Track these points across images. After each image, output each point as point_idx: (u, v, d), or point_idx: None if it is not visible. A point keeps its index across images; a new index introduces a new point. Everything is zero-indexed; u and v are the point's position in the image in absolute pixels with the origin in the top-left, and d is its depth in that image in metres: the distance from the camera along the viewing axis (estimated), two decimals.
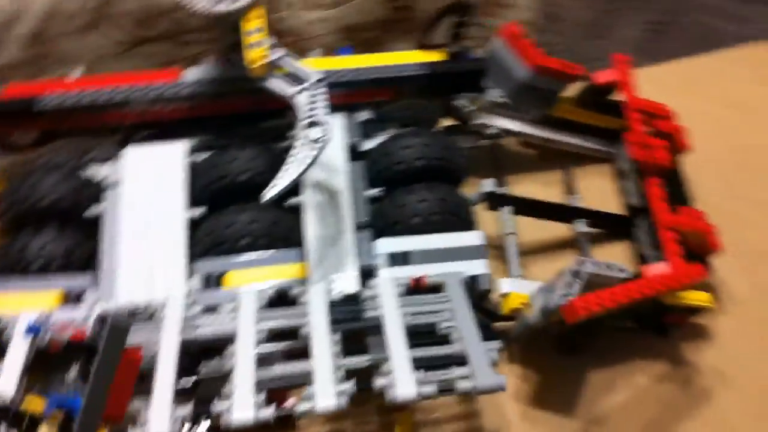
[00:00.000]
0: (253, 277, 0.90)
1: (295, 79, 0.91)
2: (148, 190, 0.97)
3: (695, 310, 1.01)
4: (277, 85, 0.91)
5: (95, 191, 0.98)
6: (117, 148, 1.01)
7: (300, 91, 0.90)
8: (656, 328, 1.04)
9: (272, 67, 0.91)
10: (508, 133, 1.12)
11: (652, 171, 1.02)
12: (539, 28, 1.34)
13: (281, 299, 0.87)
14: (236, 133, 1.05)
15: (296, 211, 0.97)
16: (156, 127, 1.04)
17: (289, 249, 0.93)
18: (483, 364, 0.79)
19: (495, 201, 1.03)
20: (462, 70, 1.06)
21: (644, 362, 1.04)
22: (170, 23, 1.20)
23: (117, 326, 0.73)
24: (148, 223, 0.95)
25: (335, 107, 1.03)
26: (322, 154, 0.84)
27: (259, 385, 0.76)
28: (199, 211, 0.96)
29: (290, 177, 0.83)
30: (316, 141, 0.85)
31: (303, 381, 0.78)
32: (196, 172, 0.99)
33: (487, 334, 0.84)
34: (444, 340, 0.84)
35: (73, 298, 0.89)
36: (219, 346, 0.82)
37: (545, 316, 0.87)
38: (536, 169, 1.19)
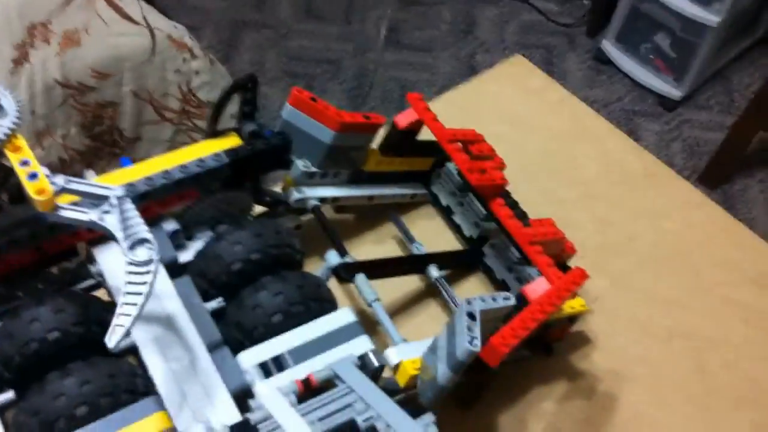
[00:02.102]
0: None
1: (92, 201, 0.75)
2: None
3: (574, 319, 0.99)
4: (72, 215, 0.73)
5: None
6: None
7: (104, 213, 0.73)
8: (541, 348, 1.00)
9: (58, 195, 0.73)
10: (327, 201, 1.03)
11: (494, 193, 0.99)
12: None
13: None
14: (21, 291, 0.84)
15: (129, 354, 0.79)
16: None
17: (139, 401, 0.74)
18: None
19: (346, 272, 0.93)
20: (265, 148, 0.95)
21: (543, 387, 0.99)
22: None
23: None
24: None
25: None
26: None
27: None
28: (8, 395, 0.74)
29: (134, 310, 0.66)
30: (146, 262, 0.69)
31: None
32: None
33: (410, 410, 0.73)
34: None
35: None
36: None
37: (459, 369, 0.78)
38: (362, 231, 1.12)
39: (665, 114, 2.41)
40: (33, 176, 0.71)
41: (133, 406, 0.74)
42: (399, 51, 2.36)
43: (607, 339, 1.05)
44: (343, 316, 0.85)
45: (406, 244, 1.07)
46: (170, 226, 0.90)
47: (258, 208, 1.01)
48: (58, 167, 1.24)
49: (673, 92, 2.40)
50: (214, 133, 0.94)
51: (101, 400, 0.72)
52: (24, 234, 0.82)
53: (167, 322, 0.81)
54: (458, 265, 1.07)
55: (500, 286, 1.05)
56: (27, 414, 0.72)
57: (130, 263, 0.69)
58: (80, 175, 0.81)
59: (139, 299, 0.67)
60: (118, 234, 0.71)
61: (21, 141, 0.73)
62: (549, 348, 1.01)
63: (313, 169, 1.00)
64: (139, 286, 0.67)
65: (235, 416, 0.74)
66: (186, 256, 0.89)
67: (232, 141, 0.95)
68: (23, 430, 0.72)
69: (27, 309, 0.77)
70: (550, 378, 1.00)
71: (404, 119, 1.04)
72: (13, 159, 0.72)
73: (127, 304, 0.66)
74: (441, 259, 1.03)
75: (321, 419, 0.72)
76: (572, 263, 1.03)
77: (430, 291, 1.05)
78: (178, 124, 1.46)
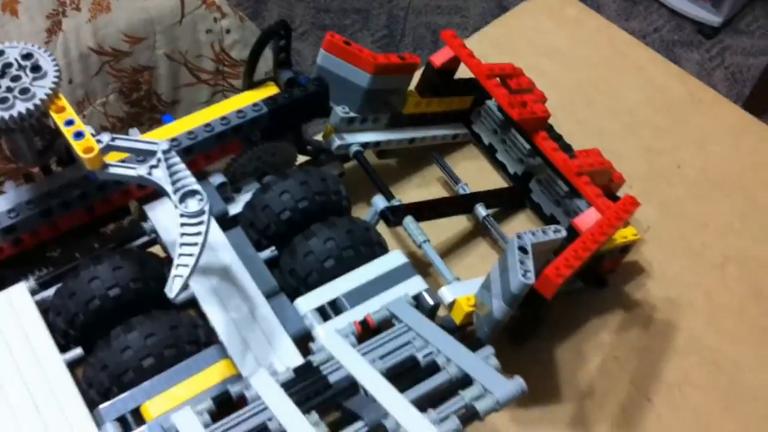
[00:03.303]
0: (177, 396, 0.71)
1: (139, 157, 0.75)
2: (7, 349, 0.75)
3: (626, 249, 0.97)
4: (120, 171, 0.74)
5: None
6: None
7: (152, 168, 0.73)
8: (595, 280, 0.99)
9: (106, 153, 0.73)
10: (369, 146, 1.02)
11: (537, 126, 0.98)
12: None
13: (225, 406, 0.70)
14: (78, 252, 0.86)
15: (189, 307, 0.80)
16: None
17: (202, 351, 0.76)
18: (491, 376, 0.68)
19: (393, 215, 0.93)
20: (302, 95, 0.95)
21: (599, 319, 0.99)
22: None
23: None
24: (24, 385, 0.72)
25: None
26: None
27: None
28: (76, 352, 0.76)
29: (190, 260, 0.67)
30: (198, 213, 0.69)
31: None
32: (52, 309, 0.78)
33: (468, 345, 0.73)
34: (431, 371, 0.72)
35: None
36: None
37: (515, 303, 0.78)
38: (407, 175, 1.11)
39: (705, 42, 2.34)
40: (79, 135, 0.72)
41: (197, 356, 0.76)
42: None
43: (661, 267, 1.04)
44: (394, 258, 0.85)
45: (451, 185, 1.06)
46: (217, 179, 0.91)
47: (301, 158, 1.01)
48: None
49: (713, 19, 2.33)
50: (251, 85, 0.94)
51: (166, 351, 0.74)
52: (75, 195, 0.83)
53: (223, 274, 0.82)
54: (505, 202, 1.06)
55: (549, 221, 1.04)
56: (96, 369, 0.74)
57: (182, 215, 0.69)
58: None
59: (195, 249, 0.67)
60: (168, 187, 0.72)
61: (64, 101, 0.74)
62: (603, 280, 1.00)
63: (353, 115, 0.99)
64: (193, 236, 0.68)
65: (297, 359, 0.75)
66: (235, 208, 0.90)
67: (270, 91, 0.95)
68: (94, 384, 0.74)
69: (86, 268, 0.78)
70: (605, 309, 1.00)
71: (440, 58, 1.03)
72: (58, 119, 0.72)
73: (183, 255, 0.67)
74: (487, 197, 1.02)
75: (381, 357, 0.73)
76: (621, 193, 1.02)
77: (479, 230, 1.05)
78: (214, 86, 1.45)
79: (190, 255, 0.67)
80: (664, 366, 0.96)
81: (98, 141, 0.72)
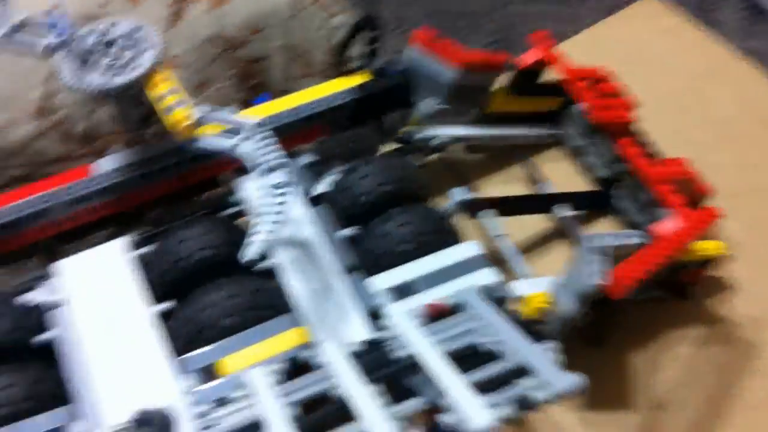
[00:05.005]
0: (252, 356, 0.75)
1: (231, 131, 0.80)
2: (101, 298, 0.81)
3: (709, 262, 0.95)
4: (211, 142, 0.79)
5: (37, 318, 0.80)
6: (47, 267, 0.85)
7: (241, 141, 0.78)
8: (676, 290, 0.97)
9: (200, 125, 0.78)
10: (452, 140, 1.04)
11: (620, 131, 0.97)
12: None
13: (295, 370, 0.73)
14: (172, 216, 0.91)
15: (271, 275, 0.84)
16: (80, 232, 0.89)
17: (280, 317, 0.80)
18: (550, 368, 0.68)
19: (472, 208, 0.94)
20: (389, 86, 0.98)
21: (677, 330, 0.96)
22: None
23: None
24: (114, 333, 0.79)
25: None
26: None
27: None
28: (165, 305, 0.81)
29: (267, 228, 0.70)
30: (280, 186, 0.73)
31: None
32: (146, 266, 0.84)
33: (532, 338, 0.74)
34: (490, 359, 0.72)
35: None
36: None
37: (584, 302, 0.77)
38: (491, 171, 1.11)
39: None
40: (173, 107, 0.77)
41: (273, 321, 0.79)
42: (541, 2, 2.29)
43: (748, 285, 1.00)
44: (469, 249, 0.86)
45: (534, 184, 1.06)
46: (306, 159, 0.95)
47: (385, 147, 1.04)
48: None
49: None
50: (341, 73, 0.98)
51: (246, 313, 0.78)
52: (170, 163, 0.89)
53: (306, 247, 0.85)
54: (587, 205, 1.05)
55: (632, 226, 1.02)
56: (182, 322, 0.79)
57: (265, 186, 0.73)
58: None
59: (272, 218, 0.71)
60: (255, 160, 0.76)
61: (165, 75, 0.79)
62: (684, 292, 0.98)
63: (438, 107, 1.01)
64: (274, 206, 0.71)
65: (367, 333, 0.77)
66: (321, 187, 0.94)
67: (359, 79, 0.98)
68: (179, 336, 0.78)
69: (179, 230, 0.83)
70: (686, 322, 0.97)
71: (529, 58, 1.03)
72: (157, 91, 0.78)
73: (260, 223, 0.71)
74: (569, 198, 1.01)
75: (445, 340, 0.73)
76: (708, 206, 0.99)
77: (558, 231, 1.04)
78: (325, 78, 1.48)
79: (267, 223, 0.70)
80: (744, 386, 0.93)
81: (195, 113, 0.77)
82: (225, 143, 0.78)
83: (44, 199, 0.86)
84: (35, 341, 0.78)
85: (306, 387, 0.69)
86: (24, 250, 0.88)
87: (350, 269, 0.84)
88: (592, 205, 1.06)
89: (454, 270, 0.84)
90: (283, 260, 0.84)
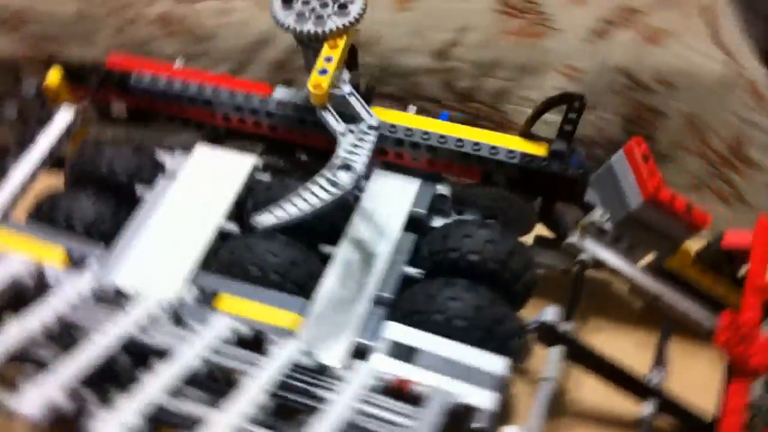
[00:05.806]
0: (244, 308, 0.83)
1: (351, 119, 0.83)
2: (198, 190, 0.95)
3: None
4: (329, 119, 0.84)
5: (154, 174, 0.97)
6: (194, 143, 1.01)
7: (346, 131, 0.81)
8: None
9: (331, 100, 0.83)
10: (603, 266, 0.93)
11: (747, 374, 0.79)
12: None
13: (255, 343, 0.78)
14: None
15: (324, 259, 0.89)
16: (238, 136, 1.02)
17: (295, 296, 0.84)
18: None
19: (549, 335, 0.85)
20: (559, 172, 0.91)
21: None
22: None
23: None
24: (181, 221, 0.92)
25: (412, 170, 0.96)
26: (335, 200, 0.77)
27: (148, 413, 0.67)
28: (232, 226, 0.92)
29: (290, 211, 0.74)
30: (336, 185, 0.75)
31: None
32: (253, 192, 0.95)
33: None
34: None
35: (75, 260, 0.87)
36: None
37: None
38: (626, 322, 0.99)
39: None
40: (323, 72, 0.82)
41: (286, 296, 0.84)
42: None
43: None
44: (496, 364, 0.80)
45: (651, 363, 0.91)
46: (442, 189, 0.94)
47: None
48: (579, 141, 1.21)
49: None
50: (525, 134, 0.93)
51: (272, 275, 0.85)
52: (295, 115, 0.96)
53: (367, 257, 0.88)
54: (681, 421, 0.87)
55: None
56: (225, 250, 0.89)
57: (323, 176, 0.76)
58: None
59: (304, 206, 0.74)
60: (340, 152, 0.79)
61: (343, 40, 0.85)
62: None
63: (606, 227, 0.91)
64: (311, 196, 0.75)
65: (340, 361, 0.79)
66: (434, 222, 0.93)
67: (536, 149, 0.93)
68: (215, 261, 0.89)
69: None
70: None
71: (734, 239, 0.87)
72: (324, 51, 0.83)
73: (292, 203, 0.75)
74: (667, 403, 0.85)
75: (365, 415, 0.71)
76: None
77: (627, 423, 0.90)
78: (713, 168, 1.30)
79: (293, 206, 0.74)
80: None
81: (336, 87, 0.82)
82: (336, 125, 0.82)
83: (216, 93, 0.99)
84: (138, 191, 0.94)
85: (232, 358, 0.74)
86: (183, 121, 1.04)
87: (382, 302, 0.84)
88: (689, 427, 0.88)
89: (462, 371, 0.79)
90: (340, 253, 0.88)
